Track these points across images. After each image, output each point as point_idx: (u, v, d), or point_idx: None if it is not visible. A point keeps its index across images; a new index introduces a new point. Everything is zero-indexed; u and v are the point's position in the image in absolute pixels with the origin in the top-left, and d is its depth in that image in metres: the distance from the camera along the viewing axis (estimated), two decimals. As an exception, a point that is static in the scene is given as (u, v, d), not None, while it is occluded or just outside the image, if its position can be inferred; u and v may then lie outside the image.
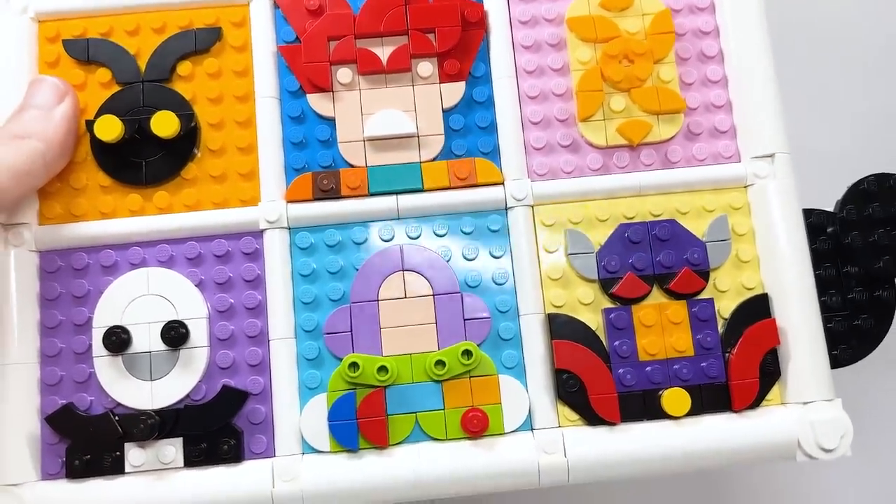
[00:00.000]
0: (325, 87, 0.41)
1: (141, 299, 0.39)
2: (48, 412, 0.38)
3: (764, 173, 0.41)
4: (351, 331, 0.39)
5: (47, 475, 0.38)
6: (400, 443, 0.38)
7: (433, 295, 0.40)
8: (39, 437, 0.38)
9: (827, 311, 0.41)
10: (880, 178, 0.42)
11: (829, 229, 0.42)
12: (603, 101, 0.42)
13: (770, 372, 0.39)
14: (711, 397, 0.39)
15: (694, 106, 0.42)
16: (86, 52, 0.42)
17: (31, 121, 0.39)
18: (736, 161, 0.42)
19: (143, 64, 0.42)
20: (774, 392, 0.40)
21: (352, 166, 0.41)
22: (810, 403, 0.39)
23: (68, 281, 0.40)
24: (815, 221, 0.42)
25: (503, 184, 0.41)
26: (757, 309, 0.40)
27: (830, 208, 0.42)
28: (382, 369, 0.38)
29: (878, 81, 0.53)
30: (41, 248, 0.40)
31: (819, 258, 0.41)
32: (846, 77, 0.53)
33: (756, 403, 0.39)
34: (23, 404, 0.38)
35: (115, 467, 0.38)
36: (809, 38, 0.53)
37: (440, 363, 0.38)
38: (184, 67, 0.42)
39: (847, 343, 0.41)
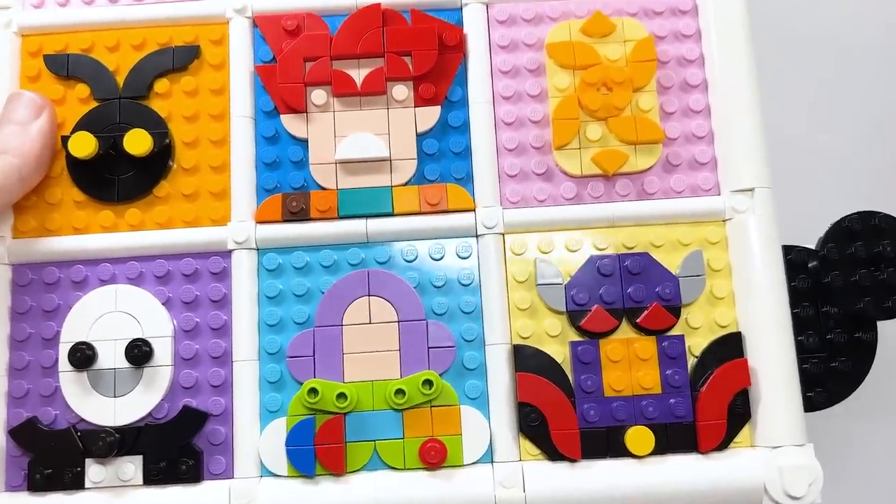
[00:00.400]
0: (298, 109, 0.41)
1: (108, 316, 0.40)
2: (13, 425, 0.39)
3: (743, 207, 0.40)
4: (313, 355, 0.39)
5: (10, 487, 0.39)
6: (357, 470, 0.38)
7: (398, 321, 0.39)
8: (4, 448, 0.39)
9: (803, 351, 0.40)
10: (864, 217, 0.40)
11: (810, 266, 0.41)
12: (579, 129, 0.41)
13: (739, 413, 0.38)
14: (677, 437, 0.38)
15: (674, 136, 0.41)
16: (65, 67, 0.42)
17: (8, 136, 0.39)
18: (715, 194, 0.41)
19: (121, 80, 0.42)
20: (744, 434, 0.39)
21: (323, 188, 0.41)
22: (780, 448, 0.38)
23: (39, 295, 0.40)
24: (794, 258, 0.41)
25: (474, 211, 0.40)
26: (729, 347, 0.39)
27: (812, 245, 0.41)
28: (342, 396, 0.38)
29: (866, 118, 0.52)
30: (14, 261, 0.40)
31: (798, 297, 0.40)
32: (834, 112, 0.51)
33: (723, 445, 0.38)
34: (-11, 416, 0.39)
35: (76, 482, 0.38)
36: (796, 68, 0.52)
37: (400, 392, 0.38)
38: (161, 85, 0.42)
39: (823, 386, 0.40)
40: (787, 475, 0.37)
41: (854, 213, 0.40)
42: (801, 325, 0.40)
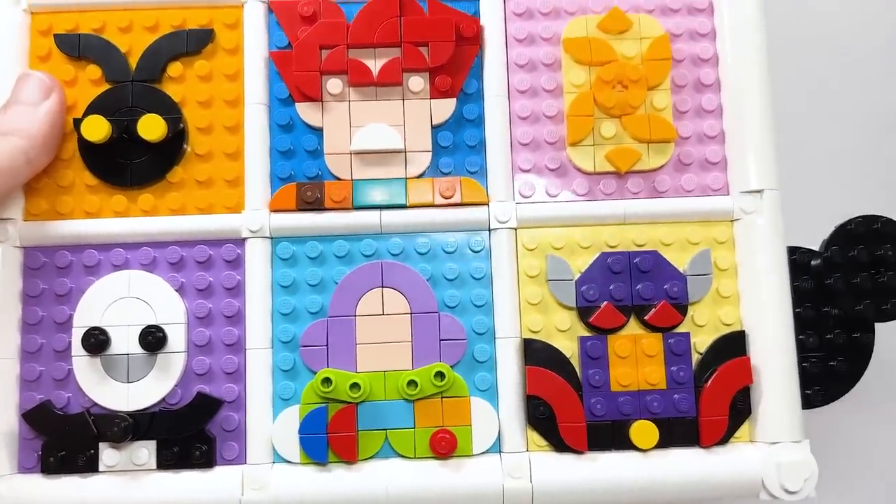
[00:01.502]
0: (314, 97, 0.41)
1: (121, 301, 0.40)
2: (26, 408, 0.39)
3: (751, 209, 0.41)
4: (327, 345, 0.40)
5: (23, 469, 0.39)
6: (369, 458, 0.39)
7: (411, 313, 0.40)
8: (17, 431, 0.39)
9: (803, 350, 0.41)
10: (867, 221, 0.41)
11: (814, 266, 0.42)
12: (593, 126, 0.41)
13: (740, 410, 0.40)
14: (680, 431, 0.39)
15: (686, 135, 0.42)
16: (77, 47, 0.41)
17: (15, 117, 0.39)
18: (724, 194, 0.41)
19: (133, 62, 0.41)
20: (744, 429, 0.40)
21: (337, 178, 0.41)
22: (777, 444, 0.39)
23: (51, 279, 0.40)
24: (798, 259, 0.42)
25: (488, 205, 0.41)
26: (733, 346, 0.40)
27: (816, 247, 0.42)
28: (355, 386, 0.38)
29: (872, 122, 0.52)
30: (25, 244, 0.40)
31: (800, 297, 0.41)
32: (840, 114, 0.52)
33: (724, 440, 0.39)
34: (1, 399, 0.39)
35: (89, 466, 0.39)
36: (805, 69, 0.52)
37: (412, 383, 0.39)
38: (174, 68, 0.41)
39: (820, 384, 0.41)
40: (784, 470, 0.38)
41: (857, 217, 0.41)
42: (802, 325, 0.41)
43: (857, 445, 0.48)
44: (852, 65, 0.53)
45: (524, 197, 0.41)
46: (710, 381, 0.40)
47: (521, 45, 0.42)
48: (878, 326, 0.41)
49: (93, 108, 0.41)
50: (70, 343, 0.39)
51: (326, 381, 0.38)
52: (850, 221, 0.41)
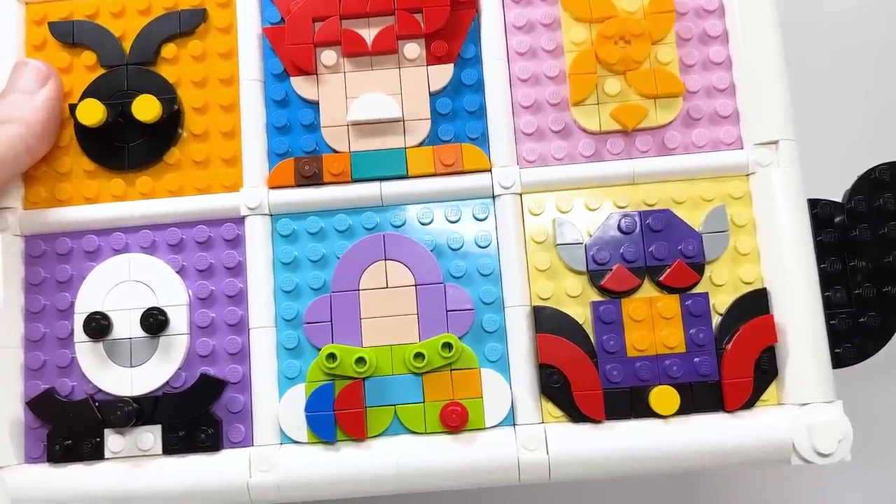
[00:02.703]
0: (308, 70, 0.40)
1: (122, 285, 0.39)
2: (31, 396, 0.38)
3: (767, 161, 0.39)
4: (331, 321, 0.38)
5: (30, 458, 0.39)
6: (378, 435, 0.38)
7: (415, 285, 0.39)
8: (23, 421, 0.39)
9: (831, 307, 0.39)
10: (893, 168, 0.39)
11: (837, 220, 0.40)
12: (597, 84, 0.40)
13: (766, 371, 0.38)
14: (703, 396, 0.38)
15: (694, 89, 0.40)
16: (71, 34, 0.41)
17: (13, 105, 0.39)
18: (738, 148, 0.40)
19: (127, 46, 0.41)
20: (771, 392, 0.38)
21: (335, 151, 0.40)
22: (808, 405, 0.37)
23: (52, 266, 0.40)
24: (820, 212, 0.39)
25: (490, 171, 0.40)
26: (755, 304, 0.38)
27: (838, 199, 0.40)
28: (360, 361, 0.37)
29: (893, 63, 0.50)
30: (26, 232, 0.40)
31: (824, 251, 0.39)
32: (859, 58, 0.50)
33: (750, 403, 0.37)
34: (6, 388, 0.39)
35: (95, 453, 0.38)
36: (819, 24, 0.50)
37: (419, 356, 0.37)
38: (168, 50, 0.41)
39: (851, 342, 0.39)
40: (816, 432, 0.36)
41: (883, 164, 0.39)
42: (828, 281, 0.39)
43: (893, 405, 0.46)
44: (867, 6, 0.50)
45: (528, 161, 0.40)
46: (732, 343, 0.38)
47: (518, 6, 0.41)
48: (910, 278, 0.39)
49: (88, 94, 0.40)
50: (73, 330, 0.39)
51: (331, 356, 0.37)
52: (874, 169, 0.39)
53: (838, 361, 0.38)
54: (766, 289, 0.38)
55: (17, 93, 0.39)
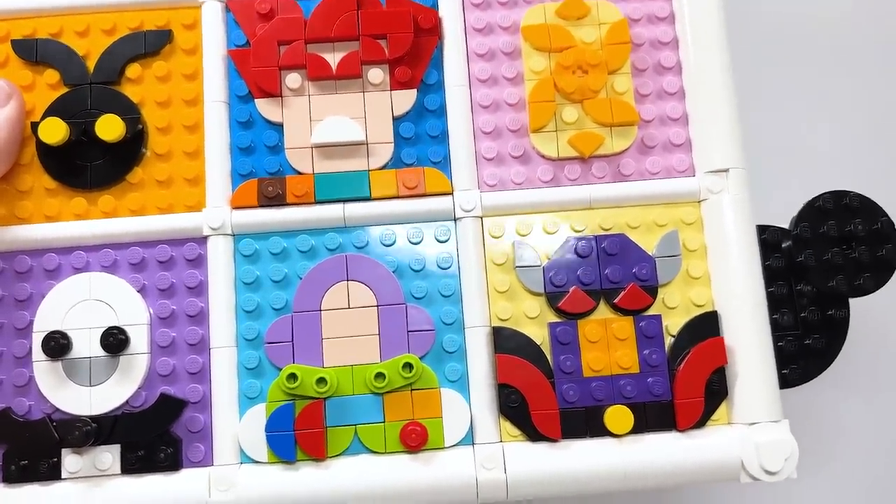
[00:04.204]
0: (273, 93, 0.41)
1: (82, 304, 0.39)
2: (-13, 416, 0.38)
3: (718, 188, 0.40)
4: (292, 341, 0.39)
5: (-15, 479, 0.38)
6: (338, 455, 0.38)
7: (377, 306, 0.39)
8: (-23, 441, 0.38)
9: (778, 329, 0.40)
10: (836, 196, 0.41)
11: (784, 244, 0.41)
12: (555, 111, 0.41)
13: (716, 391, 0.39)
14: (656, 415, 0.39)
15: (649, 118, 0.41)
16: (34, 52, 0.41)
17: (-27, 124, 0.38)
18: (690, 175, 0.41)
19: (91, 65, 0.41)
20: (721, 411, 0.39)
21: (299, 173, 0.41)
22: (756, 424, 0.38)
23: (11, 284, 0.39)
24: (769, 238, 0.41)
25: (452, 194, 0.40)
26: (706, 326, 0.39)
27: (786, 225, 0.41)
28: (321, 381, 0.38)
29: (838, 98, 0.52)
30: (-16, 250, 0.40)
31: (772, 276, 0.41)
32: (807, 91, 0.52)
33: (701, 423, 0.39)
34: (-39, 408, 0.38)
35: (52, 473, 0.38)
36: (768, 47, 0.52)
37: (380, 376, 0.38)
38: (133, 70, 0.41)
39: (797, 363, 0.40)
40: (764, 451, 0.38)
41: (826, 193, 0.41)
42: (775, 304, 0.40)
43: (837, 423, 0.47)
44: (814, 37, 0.52)
45: (489, 185, 0.41)
46: (683, 363, 0.39)
47: (481, 35, 0.42)
48: (852, 302, 0.40)
49: (51, 112, 0.40)
50: (31, 348, 0.39)
51: (292, 376, 0.37)
52: (818, 197, 0.41)
53: (785, 382, 0.40)
54: (716, 311, 0.40)
55: (-23, 110, 0.39)
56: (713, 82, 0.41)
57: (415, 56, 0.41)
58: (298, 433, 0.38)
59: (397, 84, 0.41)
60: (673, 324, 0.40)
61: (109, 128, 0.39)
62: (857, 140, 0.51)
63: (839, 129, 0.51)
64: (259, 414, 0.38)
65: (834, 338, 0.40)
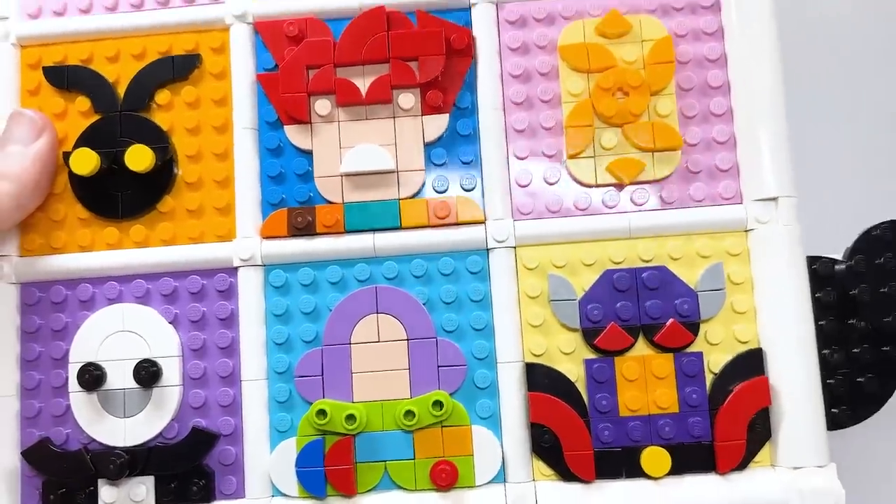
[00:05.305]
0: (302, 119, 0.40)
1: (115, 336, 0.39)
2: (26, 445, 0.39)
3: (766, 218, 0.38)
4: (322, 374, 0.38)
5: (25, 506, 0.39)
6: (368, 491, 0.38)
7: (407, 340, 0.39)
8: (18, 469, 0.39)
9: (827, 367, 0.38)
10: (894, 226, 0.38)
11: (836, 274, 0.39)
12: (594, 136, 0.39)
13: (759, 433, 0.37)
14: (695, 457, 0.37)
15: (693, 142, 0.39)
16: (65, 79, 0.41)
17: (5, 160, 0.38)
18: (737, 203, 0.39)
19: (121, 92, 0.41)
20: (764, 453, 0.37)
21: (328, 202, 0.40)
22: (801, 469, 0.37)
23: (47, 314, 0.40)
24: (820, 270, 0.39)
25: (485, 223, 0.39)
26: (750, 365, 0.38)
27: (838, 256, 0.39)
28: (350, 418, 0.37)
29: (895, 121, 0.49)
30: (21, 280, 0.40)
31: (822, 309, 0.39)
32: (862, 114, 0.48)
33: (742, 465, 0.37)
34: (2, 436, 0.39)
35: (89, 502, 0.38)
36: (821, 68, 0.49)
37: (410, 413, 0.37)
38: (162, 96, 0.41)
39: (847, 403, 0.38)
40: (808, 497, 0.36)
41: (885, 223, 0.38)
42: (825, 340, 0.38)
43: (888, 469, 0.45)
44: (868, 61, 0.49)
45: (523, 214, 0.39)
46: (725, 403, 0.37)
47: (516, 55, 0.40)
48: (910, 340, 0.38)
49: (82, 141, 0.40)
50: (67, 379, 0.39)
51: (321, 412, 0.37)
52: (875, 227, 0.39)
53: (834, 423, 0.38)
54: (761, 349, 0.38)
55: (10, 145, 0.39)
56: (764, 103, 0.39)
57: (447, 78, 0.40)
58: (328, 469, 0.37)
59: (429, 108, 0.40)
60: (715, 361, 0.38)
61: (139, 159, 0.39)
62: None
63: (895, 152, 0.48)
64: (290, 448, 0.38)
65: (888, 377, 0.38)
